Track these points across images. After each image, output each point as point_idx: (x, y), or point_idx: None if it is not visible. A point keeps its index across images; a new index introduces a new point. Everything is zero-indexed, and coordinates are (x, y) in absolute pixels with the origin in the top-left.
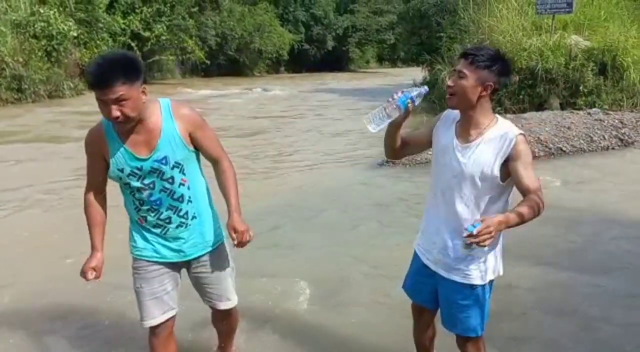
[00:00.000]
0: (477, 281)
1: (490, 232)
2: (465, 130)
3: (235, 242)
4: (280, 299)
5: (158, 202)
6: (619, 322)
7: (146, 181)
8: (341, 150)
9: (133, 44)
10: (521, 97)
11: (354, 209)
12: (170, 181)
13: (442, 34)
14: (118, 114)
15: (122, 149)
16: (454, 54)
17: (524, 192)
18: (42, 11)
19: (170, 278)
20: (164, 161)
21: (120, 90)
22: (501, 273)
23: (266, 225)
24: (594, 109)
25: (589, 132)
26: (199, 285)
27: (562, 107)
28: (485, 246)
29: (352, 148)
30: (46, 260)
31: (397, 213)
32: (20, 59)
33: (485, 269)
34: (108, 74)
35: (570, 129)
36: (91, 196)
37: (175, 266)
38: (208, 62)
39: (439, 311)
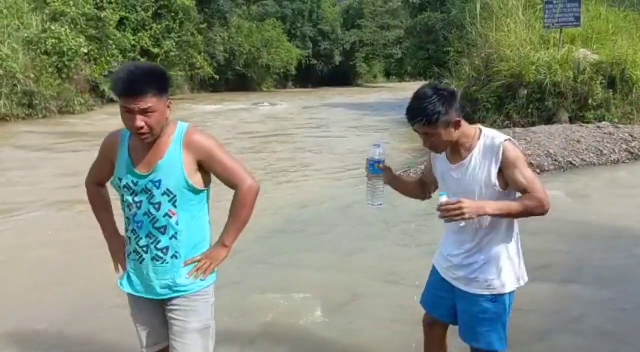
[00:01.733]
0: (497, 291)
1: (460, 209)
2: (456, 152)
3: (194, 266)
4: (289, 315)
5: (139, 225)
6: (635, 339)
7: (137, 199)
8: (349, 165)
9: (143, 60)
10: (530, 111)
11: (365, 224)
12: (157, 206)
13: (449, 49)
14: (143, 124)
15: (127, 160)
16: (461, 68)
17: (524, 193)
18: (53, 28)
19: (158, 312)
20: (157, 184)
21: (151, 101)
22: (526, 280)
23: (275, 239)
24: (603, 123)
25: (599, 145)
26: (169, 331)
27: (572, 121)
28: (450, 220)
29: (360, 162)
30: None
31: (408, 228)
32: (32, 76)
33: (504, 277)
34: (141, 83)
35: (579, 143)
36: (93, 186)
37: (155, 301)
38: (217, 77)
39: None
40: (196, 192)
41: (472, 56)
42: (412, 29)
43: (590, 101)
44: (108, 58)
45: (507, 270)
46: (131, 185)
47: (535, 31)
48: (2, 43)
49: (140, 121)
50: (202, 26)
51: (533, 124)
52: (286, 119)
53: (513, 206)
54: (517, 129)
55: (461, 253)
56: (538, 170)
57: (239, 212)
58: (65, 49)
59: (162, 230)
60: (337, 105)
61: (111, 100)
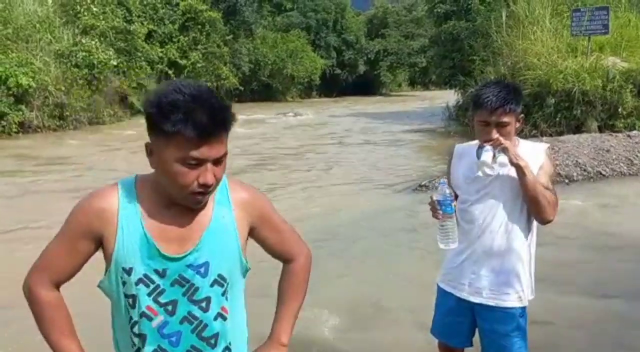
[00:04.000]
0: (524, 303)
1: (507, 146)
2: None
3: None
4: (308, 328)
5: (174, 341)
6: None
7: (163, 299)
8: (375, 175)
9: (170, 72)
10: (557, 119)
11: (390, 236)
12: (203, 305)
13: (474, 57)
14: (214, 180)
15: (141, 236)
16: (487, 77)
17: None
18: (84, 41)
19: None
20: (202, 270)
21: (224, 145)
22: (533, 295)
23: None
24: (634, 132)
25: (629, 155)
26: None
27: (601, 130)
28: (500, 144)
29: (386, 173)
30: None
31: (435, 240)
32: (63, 88)
33: (527, 286)
34: (218, 122)
35: (609, 152)
36: (47, 288)
37: None
38: (242, 88)
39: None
40: (245, 274)
41: (497, 65)
42: (436, 38)
43: (620, 109)
44: (137, 70)
45: (527, 278)
46: (154, 277)
47: (563, 39)
48: (35, 56)
49: (211, 175)
50: (227, 37)
51: (561, 133)
52: (311, 129)
53: (534, 179)
54: (545, 138)
55: (485, 261)
56: (567, 180)
57: (298, 293)
58: (95, 62)
59: (213, 341)
60: (362, 115)
61: (139, 112)
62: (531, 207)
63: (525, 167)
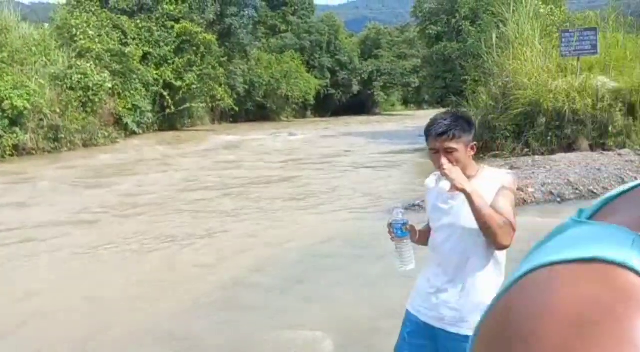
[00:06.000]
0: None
1: (450, 172)
2: None
3: None
4: (304, 350)
5: None
6: None
7: None
8: (369, 195)
9: (165, 93)
10: (549, 138)
11: (384, 257)
12: None
13: (466, 77)
14: None
15: None
16: (478, 97)
17: None
18: (79, 64)
19: None
20: None
21: None
22: None
23: (294, 272)
24: (624, 150)
25: (620, 173)
26: None
27: (592, 148)
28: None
29: (379, 192)
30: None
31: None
32: (58, 110)
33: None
34: None
35: (600, 171)
36: None
37: None
38: (237, 108)
39: None
40: None
41: (489, 85)
42: (428, 59)
43: (610, 128)
44: (132, 92)
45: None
46: None
47: (552, 59)
48: (30, 79)
49: None
50: (222, 59)
51: (553, 152)
52: (304, 149)
53: (483, 204)
54: (537, 157)
55: (446, 289)
56: (559, 199)
57: None
58: (90, 84)
59: None
60: (356, 134)
61: (133, 133)
62: (484, 232)
63: (472, 192)
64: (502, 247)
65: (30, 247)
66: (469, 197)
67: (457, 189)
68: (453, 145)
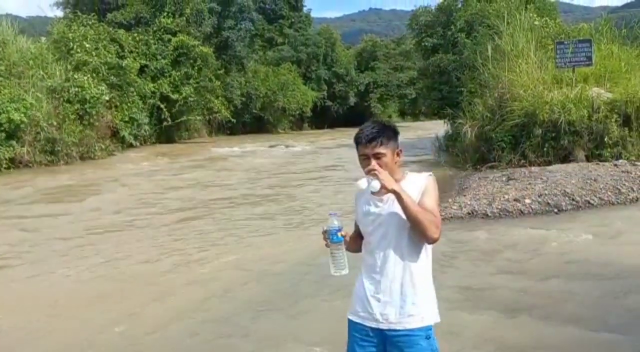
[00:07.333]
0: (420, 324)
1: (380, 173)
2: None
3: None
4: None
5: None
6: None
7: None
8: None
9: (162, 106)
10: (545, 149)
11: None
12: None
13: (462, 89)
14: None
15: None
16: (474, 108)
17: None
18: (76, 77)
19: None
20: None
21: None
22: (438, 320)
23: (285, 286)
24: (620, 161)
25: (616, 184)
26: None
27: (588, 159)
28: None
29: None
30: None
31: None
32: (54, 123)
33: (426, 309)
34: None
35: (597, 181)
36: None
37: None
38: (234, 120)
39: None
40: None
41: (485, 96)
42: (424, 70)
43: (606, 139)
44: (129, 104)
45: (429, 298)
46: None
47: (548, 71)
48: (27, 92)
49: None
50: (219, 72)
51: (549, 163)
52: (300, 161)
53: (411, 202)
54: (533, 168)
55: (387, 288)
56: (555, 210)
57: None
58: (87, 97)
59: None
60: (352, 146)
61: (130, 146)
62: (414, 228)
63: (400, 192)
64: (432, 241)
65: None
66: (398, 196)
67: (387, 190)
68: (382, 150)
